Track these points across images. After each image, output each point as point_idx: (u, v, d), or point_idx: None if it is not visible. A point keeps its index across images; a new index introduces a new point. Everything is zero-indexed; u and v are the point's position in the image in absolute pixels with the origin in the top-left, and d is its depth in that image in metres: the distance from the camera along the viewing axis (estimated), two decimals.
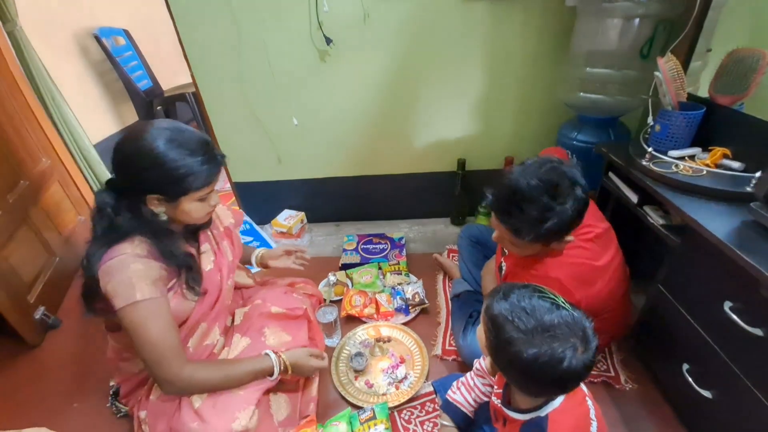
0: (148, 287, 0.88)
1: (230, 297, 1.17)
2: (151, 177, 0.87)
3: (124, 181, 0.92)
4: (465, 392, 0.97)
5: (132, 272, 0.87)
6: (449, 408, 0.97)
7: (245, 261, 1.37)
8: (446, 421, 0.99)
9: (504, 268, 1.17)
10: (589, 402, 0.77)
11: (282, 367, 1.04)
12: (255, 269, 1.40)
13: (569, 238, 0.97)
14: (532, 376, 0.66)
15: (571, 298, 0.97)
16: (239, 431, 0.94)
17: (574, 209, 0.90)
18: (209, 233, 1.13)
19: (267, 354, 1.05)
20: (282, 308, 1.19)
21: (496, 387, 0.88)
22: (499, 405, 0.81)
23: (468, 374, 0.99)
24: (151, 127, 0.88)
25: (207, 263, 1.08)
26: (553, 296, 0.69)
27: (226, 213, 1.24)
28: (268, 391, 1.07)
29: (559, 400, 0.73)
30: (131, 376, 1.11)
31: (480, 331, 0.77)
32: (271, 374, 1.04)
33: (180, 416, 0.95)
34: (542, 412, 0.72)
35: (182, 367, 0.92)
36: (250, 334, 1.13)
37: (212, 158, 0.92)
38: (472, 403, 0.96)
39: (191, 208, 0.94)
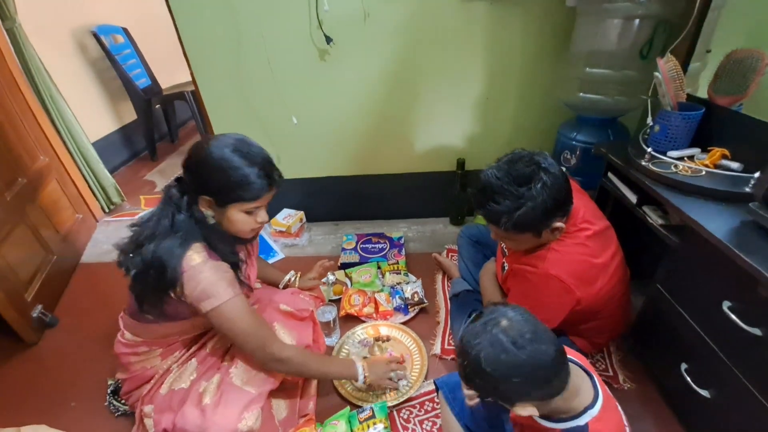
0: (230, 287, 0.95)
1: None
2: (208, 178, 0.93)
3: (188, 179, 0.97)
4: None
5: (212, 276, 0.93)
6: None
7: (267, 281, 1.44)
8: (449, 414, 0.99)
9: (506, 267, 1.17)
10: (620, 408, 0.77)
11: (364, 378, 1.16)
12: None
13: (558, 224, 0.97)
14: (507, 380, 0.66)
15: (571, 296, 0.97)
16: (245, 431, 0.94)
17: (546, 194, 0.92)
18: (245, 247, 1.16)
19: (354, 361, 1.17)
20: (291, 308, 1.21)
21: None
22: (530, 417, 0.77)
23: None
24: (224, 136, 0.95)
25: (243, 272, 1.12)
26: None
27: None
28: (270, 392, 1.08)
29: (598, 407, 0.71)
30: (140, 371, 1.11)
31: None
32: (356, 380, 1.17)
33: (185, 412, 0.96)
34: (581, 421, 0.70)
35: (284, 346, 1.03)
36: None
37: (269, 175, 0.95)
38: None
39: (237, 218, 0.97)
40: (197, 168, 0.94)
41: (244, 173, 0.91)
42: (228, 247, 1.02)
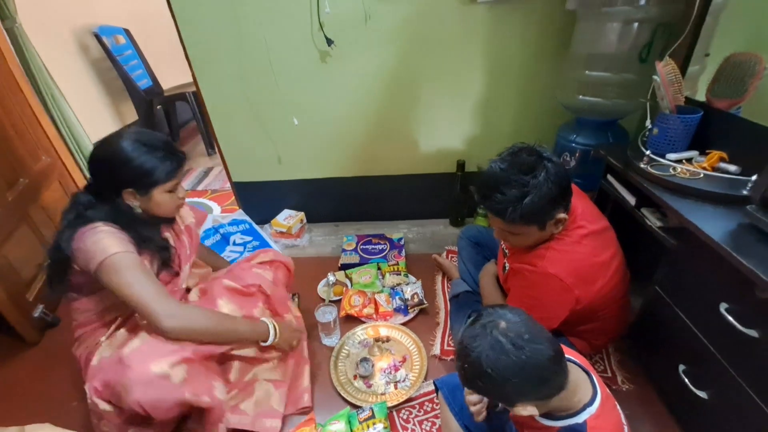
0: (119, 244, 0.98)
1: (186, 281, 1.24)
2: (124, 173, 1.00)
3: (101, 183, 1.04)
4: None
5: (102, 234, 0.98)
6: None
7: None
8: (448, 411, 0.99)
9: (507, 268, 1.18)
10: (618, 407, 0.77)
11: (275, 334, 1.18)
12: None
13: (562, 215, 0.97)
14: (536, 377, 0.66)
15: (570, 294, 0.98)
16: (158, 373, 0.93)
17: (551, 182, 0.93)
18: (171, 228, 1.23)
19: (263, 320, 1.19)
20: (236, 284, 1.23)
21: None
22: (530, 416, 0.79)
23: None
24: (118, 135, 1.02)
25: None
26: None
27: (188, 212, 1.33)
28: (219, 360, 1.12)
29: (596, 405, 0.72)
30: (83, 355, 1.10)
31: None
32: (266, 339, 1.17)
33: (109, 362, 0.98)
34: (580, 419, 0.71)
35: (178, 302, 1.04)
36: (203, 303, 1.19)
37: (173, 154, 1.05)
38: None
39: (162, 199, 1.06)
40: (111, 167, 1.01)
41: (157, 158, 1.01)
42: (154, 233, 1.12)
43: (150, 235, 1.10)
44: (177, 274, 1.19)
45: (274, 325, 1.19)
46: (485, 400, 0.89)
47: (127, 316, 1.13)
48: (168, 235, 1.20)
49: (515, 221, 0.96)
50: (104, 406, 0.99)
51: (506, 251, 1.22)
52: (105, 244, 0.96)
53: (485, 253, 1.52)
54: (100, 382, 0.97)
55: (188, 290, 1.28)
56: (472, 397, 0.87)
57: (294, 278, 1.47)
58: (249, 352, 1.20)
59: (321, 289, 1.67)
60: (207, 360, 1.08)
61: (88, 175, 2.18)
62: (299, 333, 1.32)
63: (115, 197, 1.03)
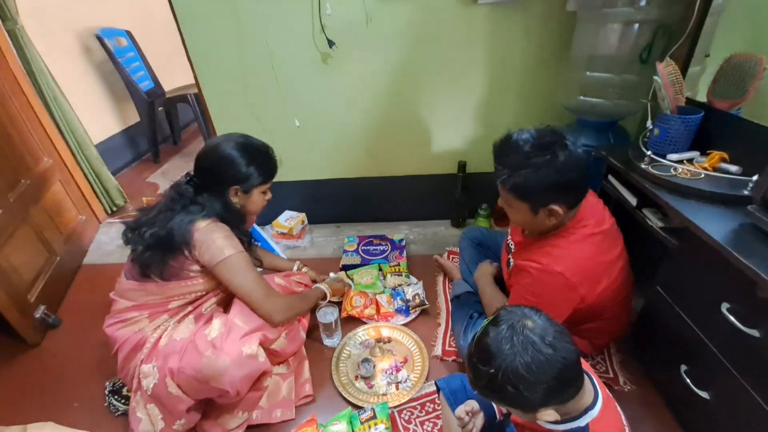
0: (236, 244, 1.13)
1: None
2: (235, 173, 1.14)
3: (209, 179, 1.15)
4: None
5: (223, 232, 1.12)
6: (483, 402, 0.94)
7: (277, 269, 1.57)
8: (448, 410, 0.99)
9: (512, 263, 1.17)
10: (619, 409, 0.77)
11: (328, 288, 1.44)
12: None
13: (556, 209, 0.95)
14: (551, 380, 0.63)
15: (575, 293, 0.98)
16: (249, 353, 1.07)
17: (554, 169, 0.91)
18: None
19: (317, 287, 1.43)
20: (285, 284, 1.35)
21: None
22: (529, 421, 0.77)
23: None
24: (229, 137, 1.17)
25: None
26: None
27: None
28: (264, 373, 1.18)
29: (598, 407, 0.71)
30: (129, 335, 1.13)
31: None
32: (325, 297, 1.42)
33: (196, 345, 1.06)
34: (582, 422, 0.70)
35: (279, 296, 1.21)
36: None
37: (273, 159, 1.21)
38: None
39: (258, 198, 1.22)
40: (224, 166, 1.13)
41: (260, 161, 1.16)
42: (244, 226, 1.26)
43: (244, 230, 1.25)
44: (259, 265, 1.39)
45: (326, 285, 1.44)
46: (480, 413, 0.89)
47: (197, 305, 1.20)
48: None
49: (507, 190, 0.98)
50: (174, 388, 1.06)
51: (511, 247, 1.22)
52: (226, 243, 1.10)
53: (487, 254, 1.52)
54: (178, 363, 1.04)
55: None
56: (461, 413, 0.85)
57: None
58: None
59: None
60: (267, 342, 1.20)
61: (89, 177, 2.21)
62: (343, 282, 1.60)
63: (224, 193, 1.15)
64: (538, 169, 0.92)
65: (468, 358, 0.71)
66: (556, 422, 0.72)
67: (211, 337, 1.07)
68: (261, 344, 1.13)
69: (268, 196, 1.26)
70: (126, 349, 1.13)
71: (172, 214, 1.11)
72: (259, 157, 1.17)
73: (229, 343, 1.06)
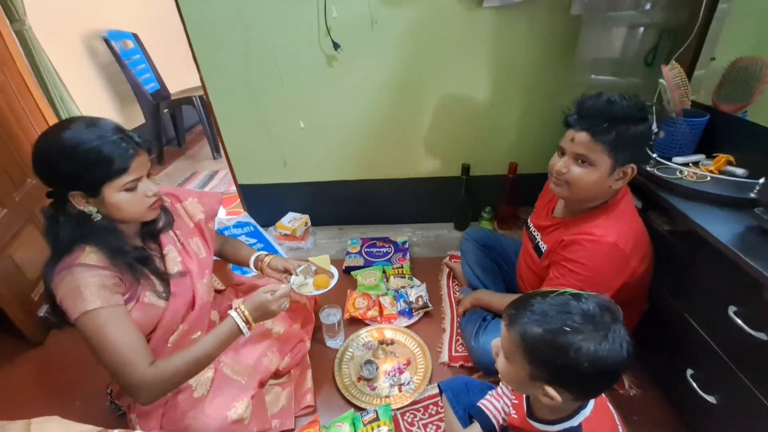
0: (98, 295, 0.83)
1: (210, 294, 1.11)
2: (63, 170, 0.81)
3: (47, 185, 0.86)
4: (494, 400, 0.93)
5: (80, 282, 0.83)
6: (480, 415, 0.93)
7: (240, 261, 1.27)
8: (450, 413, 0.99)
9: (543, 248, 1.14)
10: (611, 407, 0.76)
11: (244, 318, 0.96)
12: (252, 272, 1.32)
13: (631, 169, 0.97)
14: (596, 373, 0.62)
15: (627, 264, 0.98)
16: (235, 419, 0.95)
17: (652, 129, 0.96)
18: (171, 234, 1.06)
19: (229, 314, 0.98)
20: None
21: (514, 399, 0.85)
22: (524, 421, 0.77)
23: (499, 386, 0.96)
24: (58, 124, 0.86)
25: (173, 266, 1.03)
26: (561, 291, 0.69)
27: (196, 207, 1.15)
28: (261, 384, 1.09)
29: (590, 407, 0.70)
30: None
31: (503, 363, 0.72)
32: (240, 332, 0.96)
33: (176, 407, 0.96)
34: (575, 422, 0.69)
35: (146, 367, 0.84)
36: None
37: (125, 138, 0.85)
38: (501, 410, 0.91)
39: (120, 199, 0.86)
40: (47, 165, 0.83)
41: (95, 145, 0.81)
42: (119, 240, 0.91)
43: (119, 246, 0.90)
44: (172, 295, 1.00)
45: (241, 313, 0.97)
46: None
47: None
48: (170, 246, 1.04)
49: (603, 140, 0.93)
50: None
51: (535, 234, 1.20)
52: (74, 296, 0.82)
53: (492, 256, 1.51)
54: (157, 423, 0.95)
55: (219, 291, 1.26)
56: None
57: None
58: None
59: (290, 281, 1.22)
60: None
61: None
62: (273, 302, 1.01)
63: (64, 203, 0.86)
64: (639, 123, 0.93)
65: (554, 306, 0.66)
66: (549, 422, 0.72)
67: (197, 394, 0.96)
68: (257, 391, 1.03)
69: (148, 190, 0.90)
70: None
71: (51, 255, 0.87)
72: (93, 140, 0.81)
73: (214, 406, 0.95)
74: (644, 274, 1.04)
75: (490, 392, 0.95)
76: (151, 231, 1.02)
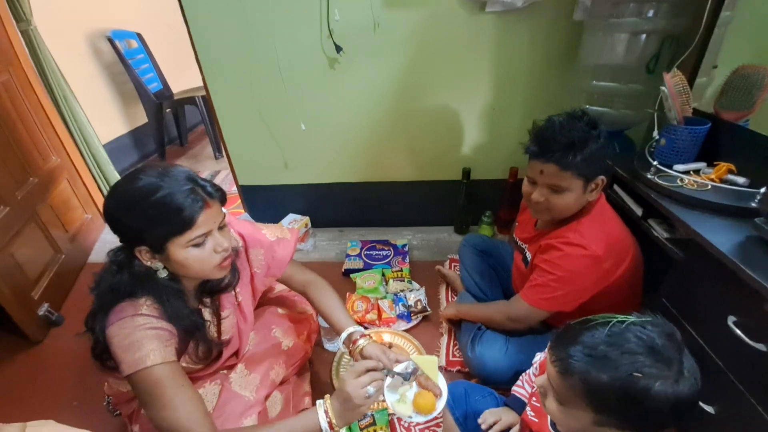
0: (157, 351, 0.78)
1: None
2: (129, 224, 0.76)
3: (119, 238, 0.82)
4: (526, 385, 0.96)
5: (138, 335, 0.78)
6: (514, 401, 0.96)
7: (326, 318, 1.11)
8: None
9: (529, 258, 1.18)
10: None
11: (328, 421, 0.82)
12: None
13: (602, 178, 1.02)
14: (676, 413, 0.56)
15: (600, 267, 1.02)
16: None
17: (607, 140, 0.99)
18: (232, 292, 1.00)
19: (318, 403, 0.85)
20: (287, 311, 1.23)
21: (533, 400, 0.85)
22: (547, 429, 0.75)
23: (529, 370, 0.98)
24: (132, 171, 0.80)
25: (228, 330, 1.00)
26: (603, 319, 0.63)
27: (260, 263, 1.05)
28: (266, 397, 1.08)
29: None
30: (121, 393, 1.06)
31: (555, 408, 0.65)
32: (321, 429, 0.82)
33: None
34: None
35: None
36: (257, 330, 1.15)
37: (195, 189, 0.77)
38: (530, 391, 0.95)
39: (186, 257, 0.79)
40: (116, 219, 0.77)
41: (161, 198, 0.74)
42: (179, 301, 0.85)
43: (179, 308, 0.84)
44: (229, 342, 0.98)
45: (326, 409, 0.83)
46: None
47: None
48: (229, 309, 0.98)
49: (571, 167, 0.97)
50: None
51: (522, 246, 1.23)
52: (134, 349, 0.77)
53: (490, 262, 1.51)
54: None
55: None
56: (490, 418, 0.88)
57: None
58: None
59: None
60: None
61: (96, 177, 2.23)
62: (359, 404, 0.82)
63: (131, 257, 0.81)
64: (601, 142, 0.97)
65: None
66: None
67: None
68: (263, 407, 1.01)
69: (218, 244, 0.82)
70: (121, 397, 1.06)
71: (101, 301, 0.82)
72: (160, 189, 0.74)
73: (221, 423, 0.91)
74: (625, 276, 1.07)
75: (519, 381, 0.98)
76: (212, 288, 0.95)
